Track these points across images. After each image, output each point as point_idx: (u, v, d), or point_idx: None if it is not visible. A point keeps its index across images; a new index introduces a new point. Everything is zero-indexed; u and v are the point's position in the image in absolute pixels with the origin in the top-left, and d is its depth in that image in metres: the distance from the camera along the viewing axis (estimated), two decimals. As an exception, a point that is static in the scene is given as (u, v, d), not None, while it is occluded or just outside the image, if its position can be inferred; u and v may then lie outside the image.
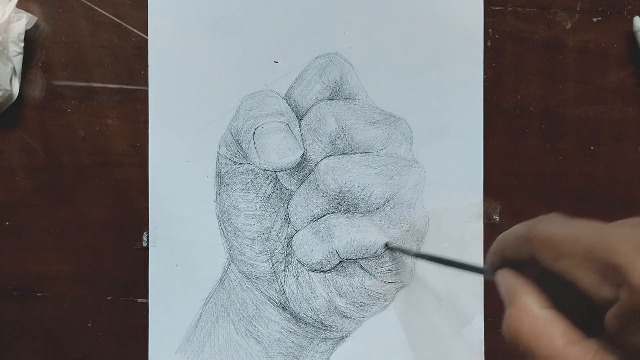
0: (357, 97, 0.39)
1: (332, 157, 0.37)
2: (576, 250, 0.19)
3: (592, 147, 0.41)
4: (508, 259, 0.23)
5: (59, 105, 0.41)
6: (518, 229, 0.22)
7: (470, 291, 0.40)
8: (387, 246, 0.38)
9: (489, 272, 0.25)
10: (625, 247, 0.18)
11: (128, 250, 0.41)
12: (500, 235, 0.24)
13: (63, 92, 0.41)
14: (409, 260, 0.39)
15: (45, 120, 0.41)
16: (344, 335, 0.40)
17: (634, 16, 0.40)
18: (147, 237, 0.40)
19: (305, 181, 0.37)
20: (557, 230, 0.20)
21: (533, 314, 0.20)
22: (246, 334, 0.40)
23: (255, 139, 0.37)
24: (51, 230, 0.41)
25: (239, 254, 0.39)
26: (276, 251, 0.39)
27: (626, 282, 0.17)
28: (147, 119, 0.40)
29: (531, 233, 0.21)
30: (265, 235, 0.39)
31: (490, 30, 0.40)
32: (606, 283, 0.18)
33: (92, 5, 0.40)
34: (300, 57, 0.40)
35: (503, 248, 0.23)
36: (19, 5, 0.39)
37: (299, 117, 0.38)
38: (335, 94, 0.39)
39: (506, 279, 0.23)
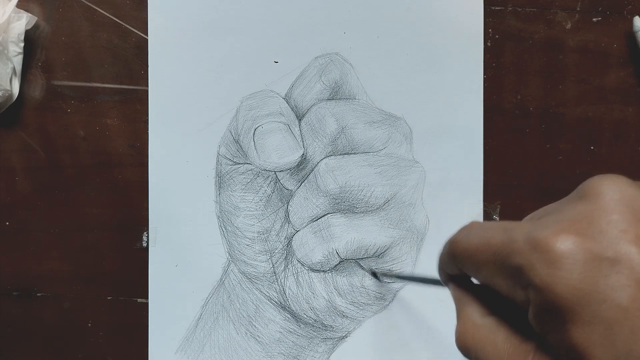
0: (357, 97, 0.39)
1: (332, 157, 0.37)
2: (487, 257, 0.19)
3: (592, 147, 0.41)
4: (449, 276, 0.23)
5: (59, 105, 0.41)
6: (445, 246, 0.22)
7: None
8: (374, 274, 0.39)
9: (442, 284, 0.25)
10: (523, 246, 0.18)
11: (128, 250, 0.41)
12: (439, 253, 0.24)
13: (63, 92, 0.41)
14: (409, 260, 0.39)
15: (45, 120, 0.41)
16: (344, 335, 0.40)
17: (634, 16, 0.40)
18: (147, 237, 0.40)
19: (305, 181, 0.38)
20: (472, 239, 0.20)
21: (475, 323, 0.21)
22: (246, 334, 0.40)
23: (255, 139, 0.37)
24: (51, 230, 0.41)
25: (239, 254, 0.39)
26: (276, 251, 0.39)
27: (530, 282, 0.17)
28: (147, 119, 0.40)
29: (452, 248, 0.21)
30: (265, 235, 0.39)
31: (490, 30, 0.40)
32: (518, 286, 0.18)
33: (92, 5, 0.40)
34: (300, 57, 0.40)
35: (441, 265, 0.24)
36: (19, 5, 0.39)
37: (299, 117, 0.38)
38: (335, 94, 0.39)
39: (451, 290, 0.23)
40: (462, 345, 0.21)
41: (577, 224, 0.17)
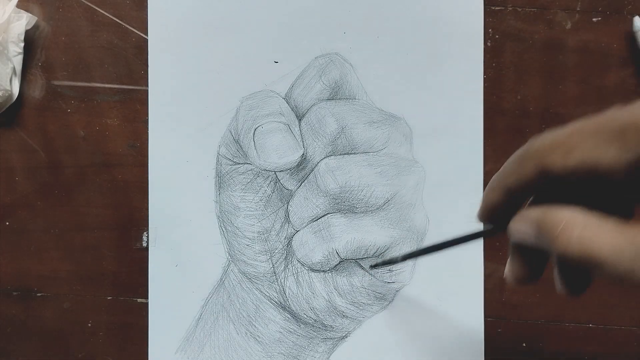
0: (357, 97, 0.39)
1: (332, 157, 0.37)
2: (586, 134, 0.18)
3: (592, 147, 0.41)
4: (513, 191, 0.21)
5: (59, 105, 0.41)
6: (513, 156, 0.21)
7: (470, 291, 0.40)
8: (373, 266, 0.38)
9: (491, 228, 0.22)
10: (631, 108, 0.18)
11: (128, 250, 0.41)
12: (495, 175, 0.22)
13: (63, 92, 0.41)
14: (409, 260, 0.39)
15: (45, 120, 0.41)
16: (344, 335, 0.40)
17: (634, 16, 0.40)
18: (147, 237, 0.40)
19: (305, 181, 0.38)
20: (558, 131, 0.19)
21: (580, 218, 0.19)
22: (246, 334, 0.40)
23: (255, 139, 0.37)
24: (51, 230, 0.41)
25: (239, 254, 0.39)
26: (276, 251, 0.39)
27: None
28: (147, 119, 0.40)
29: (531, 147, 0.20)
30: (265, 235, 0.39)
31: (490, 30, 0.40)
32: (628, 146, 0.18)
33: (92, 5, 0.40)
34: (300, 57, 0.40)
35: (503, 180, 0.21)
36: (19, 5, 0.39)
37: (299, 117, 0.38)
38: (335, 94, 0.39)
39: (531, 214, 0.21)
40: (572, 244, 0.18)
41: None
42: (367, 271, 0.39)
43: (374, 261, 0.38)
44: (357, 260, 0.39)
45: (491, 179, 0.22)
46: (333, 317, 0.39)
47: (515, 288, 0.40)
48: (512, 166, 0.21)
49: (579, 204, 0.19)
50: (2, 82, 0.39)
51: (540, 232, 0.20)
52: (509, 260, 0.23)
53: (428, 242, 0.40)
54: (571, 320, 0.40)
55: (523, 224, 0.21)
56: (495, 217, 0.22)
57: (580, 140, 0.18)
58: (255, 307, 0.40)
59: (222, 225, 0.40)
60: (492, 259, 0.40)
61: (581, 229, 0.19)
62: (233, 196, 0.39)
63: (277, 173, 0.39)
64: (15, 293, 0.41)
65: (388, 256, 0.37)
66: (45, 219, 0.41)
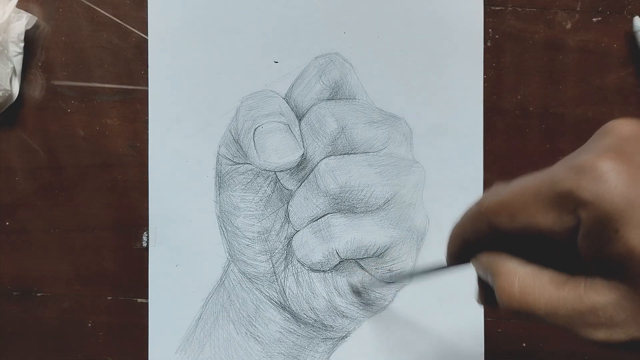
0: (357, 97, 0.39)
1: (332, 157, 0.37)
2: (527, 199, 0.20)
3: (592, 147, 0.41)
4: (469, 242, 0.23)
5: (59, 105, 0.41)
6: (467, 211, 0.23)
7: (470, 291, 0.40)
8: (358, 289, 0.39)
9: (453, 265, 0.25)
10: (567, 173, 0.19)
11: (128, 250, 0.41)
12: (453, 226, 0.24)
13: (63, 92, 0.41)
14: (409, 260, 0.39)
15: (45, 120, 0.41)
16: (344, 335, 0.40)
17: (634, 16, 0.40)
18: (147, 237, 0.40)
19: (305, 181, 0.38)
20: (504, 192, 0.21)
21: (519, 273, 0.21)
22: (246, 334, 0.40)
23: (255, 139, 0.37)
24: (51, 230, 0.41)
25: (239, 254, 0.39)
26: (276, 251, 0.39)
27: (580, 202, 0.18)
28: (147, 119, 0.40)
29: (481, 207, 0.22)
30: (265, 235, 0.39)
31: (490, 30, 0.40)
32: (564, 213, 0.19)
33: (92, 5, 0.40)
34: (300, 57, 0.40)
35: (462, 235, 0.23)
36: (19, 5, 0.39)
37: (299, 117, 0.38)
38: (335, 94, 0.39)
39: (482, 260, 0.23)
40: (509, 298, 0.21)
41: (611, 148, 0.19)
42: (367, 271, 0.39)
43: (387, 277, 0.39)
44: (357, 260, 0.39)
45: (451, 231, 0.24)
46: (333, 317, 0.39)
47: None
48: (467, 223, 0.23)
49: (529, 251, 0.21)
50: (2, 82, 0.39)
51: (489, 277, 0.22)
52: (476, 285, 0.25)
53: (428, 242, 0.40)
54: (571, 320, 0.40)
55: (478, 266, 0.23)
56: (460, 260, 0.25)
57: (523, 205, 0.20)
58: (255, 307, 0.40)
59: (222, 225, 0.40)
60: (492, 259, 0.40)
61: (521, 284, 0.21)
62: (233, 196, 0.39)
63: (277, 173, 0.39)
64: (15, 293, 0.41)
65: (398, 272, 0.39)
66: (45, 219, 0.41)
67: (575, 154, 0.20)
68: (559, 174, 0.19)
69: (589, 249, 0.19)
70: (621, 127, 0.20)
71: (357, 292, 0.39)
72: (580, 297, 0.19)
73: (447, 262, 0.25)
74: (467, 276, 0.40)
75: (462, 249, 0.24)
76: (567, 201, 0.19)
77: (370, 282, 0.38)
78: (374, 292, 0.39)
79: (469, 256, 0.23)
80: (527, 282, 0.20)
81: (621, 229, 0.18)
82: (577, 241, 0.19)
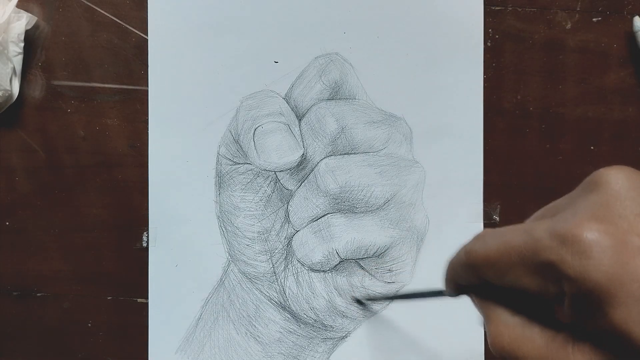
0: (357, 97, 0.39)
1: (332, 157, 0.37)
2: (512, 261, 0.19)
3: (592, 147, 0.41)
4: (462, 285, 0.23)
5: (59, 105, 0.41)
6: (459, 256, 0.22)
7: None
8: (358, 301, 0.39)
9: (451, 296, 0.25)
10: (550, 242, 0.18)
11: (128, 250, 0.41)
12: (448, 263, 0.24)
13: (63, 92, 0.41)
14: (409, 260, 0.39)
15: (45, 120, 0.41)
16: (344, 335, 0.40)
17: (634, 16, 0.40)
18: (147, 237, 0.40)
19: (305, 181, 0.38)
20: (490, 246, 0.20)
21: (507, 324, 0.21)
22: (246, 334, 0.40)
23: (255, 139, 0.37)
24: (51, 230, 0.41)
25: (239, 254, 0.39)
26: (276, 251, 0.39)
27: (563, 275, 0.18)
28: (147, 119, 0.40)
29: (470, 259, 0.21)
30: (265, 235, 0.39)
31: (490, 30, 0.40)
32: (549, 282, 0.19)
33: (92, 5, 0.40)
34: (300, 57, 0.40)
35: (455, 277, 0.24)
36: (19, 5, 0.39)
37: (299, 117, 0.38)
38: (335, 94, 0.39)
39: (474, 301, 0.23)
40: (499, 347, 0.21)
41: (596, 212, 0.18)
42: (367, 271, 0.39)
43: (361, 296, 0.39)
44: (357, 260, 0.39)
45: (445, 272, 0.24)
46: (333, 317, 0.39)
47: None
48: (458, 269, 0.23)
49: (520, 300, 0.21)
50: (2, 82, 0.39)
51: (482, 316, 0.23)
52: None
53: (428, 242, 0.40)
54: (571, 320, 0.40)
55: (473, 302, 0.23)
56: (458, 292, 0.25)
57: (509, 266, 0.20)
58: (255, 307, 0.40)
59: (222, 225, 0.40)
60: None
61: (510, 334, 0.21)
62: (233, 196, 0.39)
63: (277, 173, 0.39)
64: (15, 293, 0.41)
65: (372, 293, 0.39)
66: (45, 219, 0.41)
67: (561, 207, 0.20)
68: (542, 241, 0.18)
69: (575, 317, 0.19)
70: (611, 181, 0.19)
71: (359, 302, 0.39)
72: (568, 357, 0.19)
73: (445, 293, 0.26)
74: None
75: (457, 288, 0.24)
76: (551, 272, 0.18)
77: (374, 295, 0.39)
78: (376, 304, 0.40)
79: (466, 291, 0.24)
80: (517, 333, 0.20)
81: (605, 307, 0.17)
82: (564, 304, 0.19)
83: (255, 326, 0.40)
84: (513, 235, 0.20)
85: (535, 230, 0.19)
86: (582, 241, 0.18)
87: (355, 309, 0.39)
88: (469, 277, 0.22)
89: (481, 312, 0.22)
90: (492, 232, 0.21)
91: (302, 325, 0.40)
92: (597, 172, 0.19)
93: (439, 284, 0.40)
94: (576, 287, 0.18)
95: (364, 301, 0.39)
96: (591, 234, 0.18)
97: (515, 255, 0.19)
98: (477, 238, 0.22)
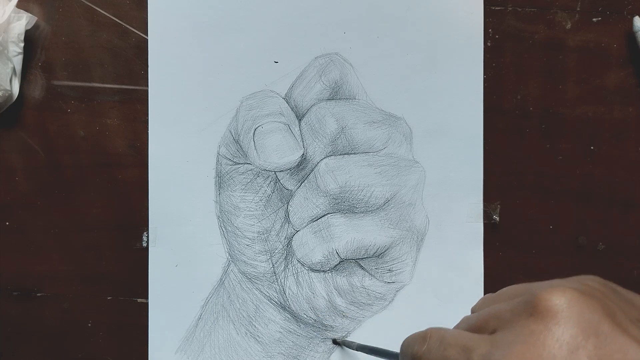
0: (357, 97, 0.39)
1: (332, 157, 0.37)
2: None
3: (592, 147, 0.41)
4: None
5: (59, 105, 0.41)
6: (408, 352, 0.23)
7: (470, 291, 0.40)
8: (334, 342, 0.40)
9: None
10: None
11: (128, 250, 0.41)
12: (403, 344, 0.25)
13: (63, 92, 0.41)
14: (409, 260, 0.39)
15: (45, 120, 0.41)
16: (344, 335, 0.40)
17: (634, 16, 0.40)
18: (147, 237, 0.40)
19: (305, 181, 0.38)
20: (431, 358, 0.21)
21: None
22: (246, 334, 0.40)
23: (255, 139, 0.37)
24: (51, 230, 0.41)
25: (239, 254, 0.39)
26: (276, 251, 0.39)
27: None
28: (147, 119, 0.40)
29: None
30: (265, 235, 0.39)
31: (490, 30, 0.40)
32: None
33: (92, 5, 0.40)
34: (300, 57, 0.40)
35: None
36: (19, 5, 0.39)
37: (299, 117, 0.38)
38: (335, 94, 0.39)
39: None
40: None
41: (530, 349, 0.18)
42: (367, 271, 0.39)
43: (339, 338, 0.40)
44: (357, 260, 0.39)
45: (400, 351, 0.25)
46: (333, 317, 0.39)
47: None
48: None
49: None
50: (2, 82, 0.39)
51: None
52: None
53: (428, 242, 0.40)
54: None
55: None
56: None
57: None
58: (255, 307, 0.40)
59: (222, 225, 0.40)
60: (492, 258, 0.40)
61: None
62: (233, 196, 0.39)
63: (277, 173, 0.39)
64: (15, 293, 0.41)
65: (348, 340, 0.40)
66: (45, 219, 0.41)
67: (503, 317, 0.20)
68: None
69: None
70: (552, 307, 0.18)
71: (336, 343, 0.40)
72: None
73: None
74: (467, 276, 0.40)
75: None
76: None
77: (349, 343, 0.39)
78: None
79: None
80: None
81: None
82: None
83: (255, 326, 0.40)
84: (453, 353, 0.20)
85: (472, 354, 0.19)
86: None
87: (355, 309, 0.39)
88: None
89: None
90: (437, 338, 0.21)
91: (302, 325, 0.40)
92: (540, 295, 0.19)
93: (439, 283, 0.39)
94: None
95: (340, 342, 0.40)
96: None
97: None
98: (426, 342, 0.22)
